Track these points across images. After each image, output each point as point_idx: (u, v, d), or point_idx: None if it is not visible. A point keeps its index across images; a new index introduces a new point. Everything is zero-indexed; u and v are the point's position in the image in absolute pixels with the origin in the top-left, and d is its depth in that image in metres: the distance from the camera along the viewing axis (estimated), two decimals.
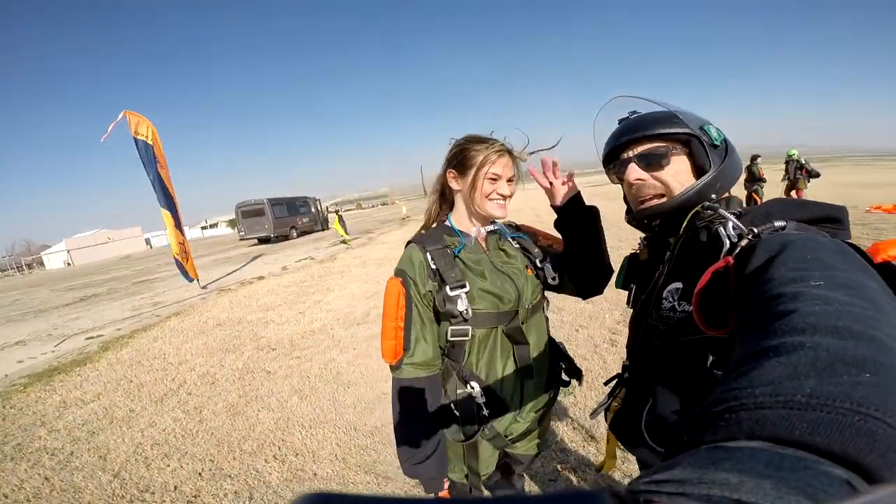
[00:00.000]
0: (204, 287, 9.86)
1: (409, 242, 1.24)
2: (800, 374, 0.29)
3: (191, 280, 9.45)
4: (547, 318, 1.39)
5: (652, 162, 0.88)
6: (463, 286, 1.12)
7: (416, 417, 1.15)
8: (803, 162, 10.17)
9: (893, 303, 0.43)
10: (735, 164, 0.88)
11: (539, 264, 1.28)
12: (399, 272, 1.18)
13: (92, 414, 3.69)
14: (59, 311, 9.73)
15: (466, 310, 1.12)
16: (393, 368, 1.17)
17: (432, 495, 1.23)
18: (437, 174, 1.31)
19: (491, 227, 1.27)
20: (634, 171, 0.90)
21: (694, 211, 0.82)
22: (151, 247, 47.08)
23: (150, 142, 8.70)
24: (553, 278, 1.28)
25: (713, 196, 0.85)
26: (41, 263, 43.95)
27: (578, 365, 1.44)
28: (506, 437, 1.29)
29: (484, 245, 1.25)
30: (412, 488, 2.32)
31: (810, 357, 0.31)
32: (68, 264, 38.49)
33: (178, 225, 9.16)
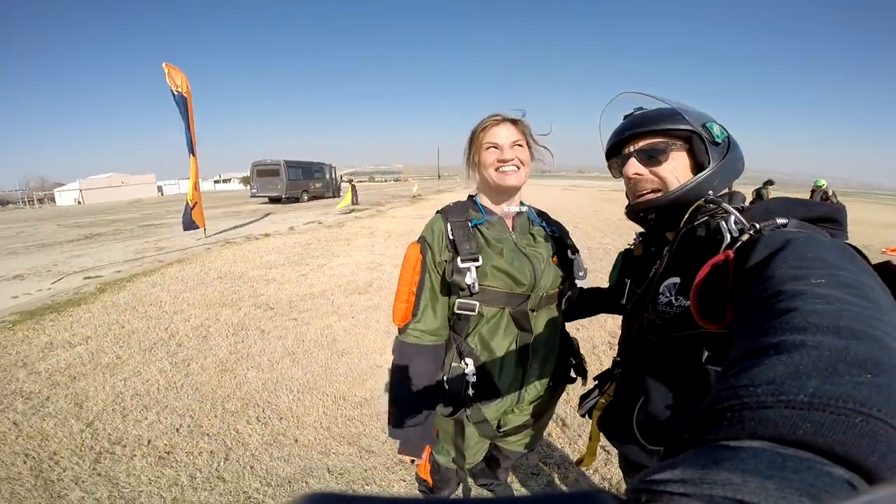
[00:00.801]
0: (209, 237, 9.85)
1: (437, 212, 1.24)
2: (802, 374, 0.29)
3: (195, 228, 9.46)
4: (563, 314, 1.33)
5: (651, 157, 0.90)
6: (475, 259, 1.11)
7: (411, 382, 1.16)
8: (830, 193, 9.95)
9: (894, 303, 0.43)
10: (735, 161, 0.89)
11: (571, 255, 1.27)
12: (420, 238, 1.20)
13: (77, 358, 3.57)
14: (61, 247, 9.70)
15: (473, 283, 1.10)
16: (400, 331, 1.19)
17: (425, 494, 1.28)
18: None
19: (517, 209, 1.25)
20: (633, 166, 0.92)
21: (696, 205, 0.83)
22: (163, 194, 47.39)
23: (186, 94, 8.87)
24: (582, 273, 1.27)
25: (710, 193, 0.85)
26: (52, 199, 44.43)
27: (578, 378, 1.42)
28: (498, 427, 1.27)
29: (510, 225, 1.24)
30: (395, 464, 2.21)
31: (812, 356, 0.31)
32: (79, 202, 38.85)
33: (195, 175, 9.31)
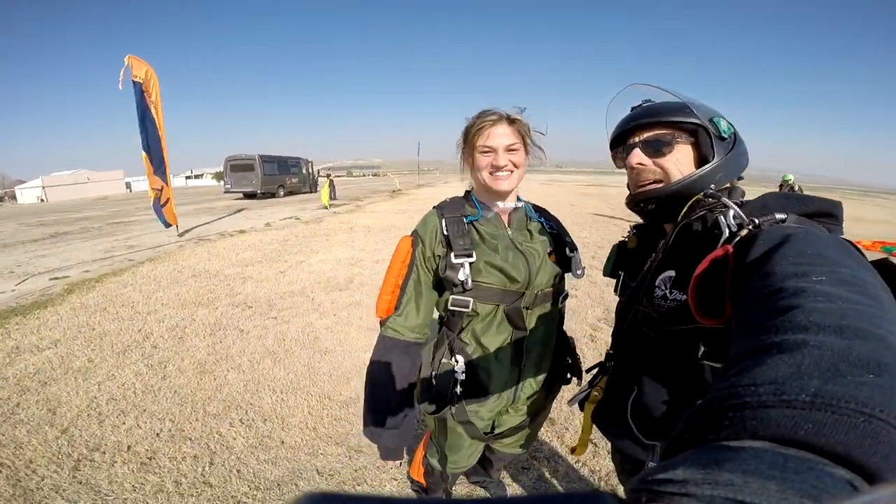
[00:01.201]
0: (181, 235, 9.57)
1: (434, 207, 1.23)
2: (804, 374, 0.29)
3: (168, 226, 9.25)
4: (561, 313, 1.32)
5: (656, 148, 0.89)
6: (469, 255, 1.10)
7: (386, 380, 1.14)
8: (796, 188, 10.18)
9: (892, 299, 0.42)
10: (739, 157, 0.89)
11: (569, 253, 1.26)
12: (413, 232, 1.19)
13: (46, 362, 3.42)
14: (25, 247, 9.26)
15: (467, 279, 1.09)
16: (381, 323, 1.17)
17: (419, 494, 1.21)
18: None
19: (513, 204, 1.23)
20: (637, 156, 0.91)
21: (696, 198, 0.83)
22: (131, 191, 45.84)
23: (144, 86, 8.56)
24: (580, 271, 1.26)
25: (712, 186, 0.85)
26: (13, 197, 42.49)
27: (574, 378, 1.41)
28: (493, 429, 1.26)
29: (506, 220, 1.22)
30: (385, 464, 2.19)
31: (814, 356, 0.31)
32: (42, 200, 37.25)
33: (163, 170, 8.97)
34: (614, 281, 1.16)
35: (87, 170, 45.51)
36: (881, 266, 0.55)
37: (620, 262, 1.12)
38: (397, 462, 1.21)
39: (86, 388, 3.00)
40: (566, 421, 2.50)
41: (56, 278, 6.23)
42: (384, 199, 19.72)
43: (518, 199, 1.25)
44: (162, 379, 3.10)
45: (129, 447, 2.34)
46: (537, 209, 1.33)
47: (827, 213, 0.69)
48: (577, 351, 1.42)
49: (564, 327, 1.38)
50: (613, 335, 1.09)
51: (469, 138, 1.14)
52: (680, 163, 0.89)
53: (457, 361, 1.17)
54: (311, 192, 24.56)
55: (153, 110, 8.78)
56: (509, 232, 1.19)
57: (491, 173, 1.12)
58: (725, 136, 0.87)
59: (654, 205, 0.92)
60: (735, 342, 0.40)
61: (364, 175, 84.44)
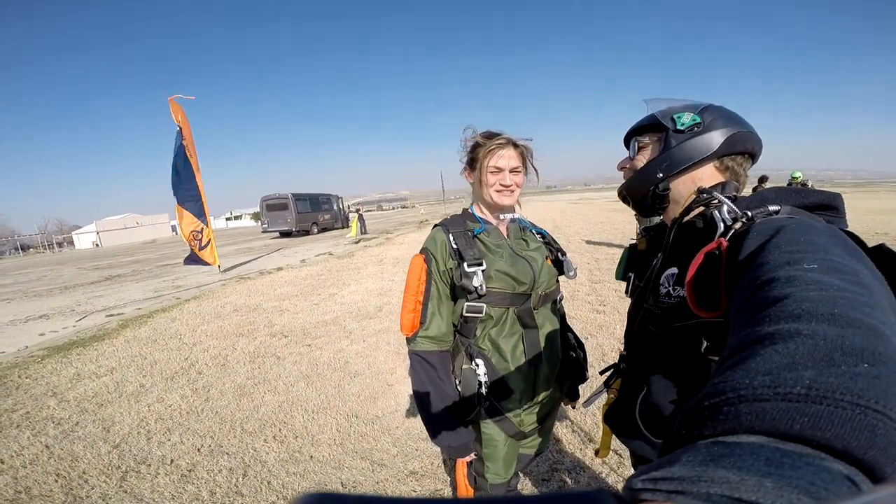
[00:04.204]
0: (223, 272, 10.05)
1: (435, 225, 1.33)
2: (798, 364, 0.29)
3: (195, 263, 9.54)
4: (561, 312, 1.41)
5: (633, 152, 0.98)
6: (480, 264, 1.19)
7: (433, 390, 1.22)
8: (809, 185, 9.86)
9: (885, 288, 0.43)
10: (692, 145, 0.87)
11: (560, 257, 1.37)
12: (423, 250, 1.27)
13: (103, 387, 3.76)
14: (83, 289, 10.02)
15: (481, 286, 1.18)
16: (409, 340, 1.25)
17: (434, 495, 1.27)
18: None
19: (511, 216, 1.34)
20: (621, 162, 1.02)
21: (691, 197, 0.84)
22: (177, 234, 48.39)
23: (180, 129, 9.08)
24: (573, 271, 1.37)
25: (659, 175, 0.90)
26: (71, 243, 45.60)
27: (586, 373, 1.47)
28: (519, 427, 1.30)
29: (505, 232, 1.33)
30: (406, 476, 2.30)
31: (808, 346, 0.30)
32: (97, 245, 39.79)
33: (203, 212, 9.38)
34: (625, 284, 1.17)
35: (136, 213, 48.44)
36: (878, 251, 0.55)
37: (631, 264, 1.14)
38: (467, 458, 1.28)
39: (137, 409, 3.29)
40: (591, 431, 2.53)
41: (112, 315, 6.74)
42: (412, 230, 20.19)
43: (513, 211, 1.35)
44: (205, 401, 3.35)
45: (172, 461, 2.56)
46: (530, 223, 1.45)
47: (827, 206, 0.68)
48: (588, 354, 1.48)
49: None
50: (626, 336, 1.09)
51: (480, 156, 1.25)
52: (644, 160, 0.94)
53: (477, 365, 1.24)
54: (343, 227, 25.25)
55: (189, 155, 9.18)
56: (509, 242, 1.30)
57: (498, 191, 1.24)
58: (682, 128, 0.88)
59: (626, 195, 1.00)
60: (731, 334, 0.40)
61: (393, 208, 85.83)
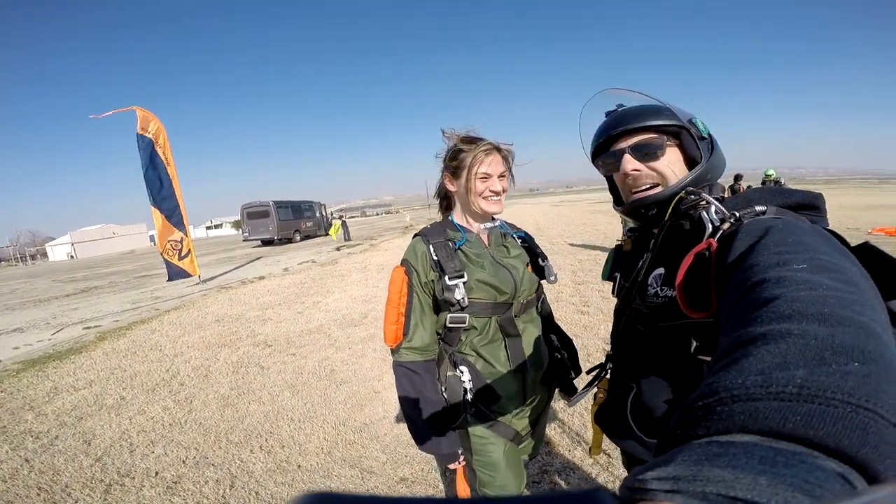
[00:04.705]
0: (204, 282, 9.88)
1: (415, 235, 1.31)
2: (789, 364, 0.29)
3: (179, 277, 9.31)
4: (546, 312, 1.42)
5: (648, 153, 0.88)
6: (461, 276, 1.18)
7: (419, 399, 1.21)
8: (783, 182, 9.98)
9: (872, 285, 0.44)
10: (721, 156, 0.90)
11: (542, 262, 1.36)
12: (404, 262, 1.26)
13: (82, 400, 3.67)
14: (59, 302, 9.75)
15: (463, 298, 1.17)
16: (393, 352, 1.24)
17: (432, 495, 1.26)
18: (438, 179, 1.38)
19: (491, 224, 1.32)
20: (630, 163, 0.90)
21: (678, 197, 0.83)
22: (155, 244, 47.48)
23: (152, 137, 8.78)
24: (554, 277, 1.37)
25: (706, 185, 0.87)
26: (45, 255, 44.26)
27: (572, 371, 1.46)
28: (515, 429, 1.30)
29: (486, 240, 1.31)
30: (396, 483, 2.30)
31: (799, 345, 0.31)
32: (71, 257, 38.71)
33: (182, 222, 9.15)
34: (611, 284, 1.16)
35: (113, 224, 47.18)
36: (863, 249, 0.56)
37: (617, 265, 1.12)
38: (456, 463, 1.27)
39: (118, 421, 3.22)
40: (581, 433, 2.55)
41: (89, 328, 6.57)
42: (397, 235, 20.14)
43: (493, 218, 1.32)
44: (188, 412, 3.29)
45: (156, 473, 2.52)
46: (510, 225, 1.43)
47: (809, 205, 0.69)
48: (575, 346, 1.48)
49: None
50: (612, 336, 1.08)
51: (467, 164, 1.21)
52: (673, 165, 0.88)
53: (462, 372, 1.24)
54: (326, 234, 25.07)
55: (165, 163, 8.87)
56: (490, 250, 1.28)
57: (486, 197, 1.23)
58: (704, 135, 0.88)
59: (655, 209, 0.91)
60: (722, 335, 0.41)
61: (377, 214, 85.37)
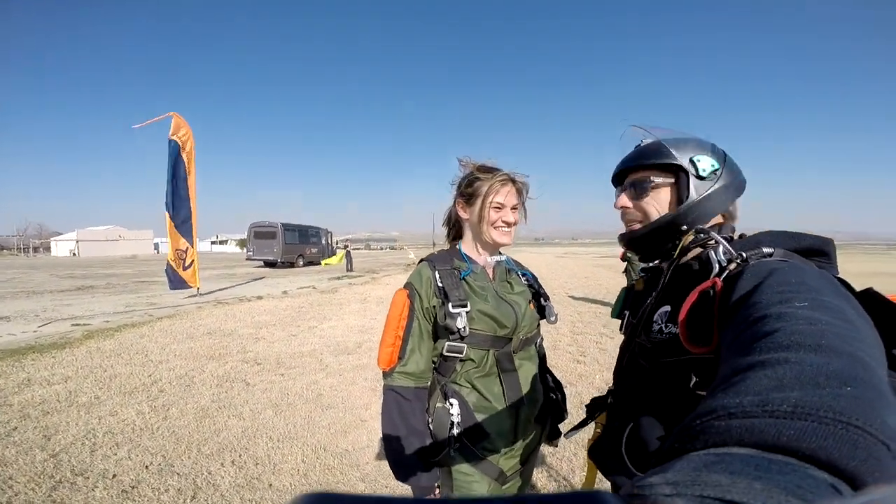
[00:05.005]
0: (201, 296, 9.77)
1: (421, 260, 1.27)
2: (785, 387, 0.31)
3: (179, 287, 9.27)
4: (541, 353, 1.37)
5: (637, 190, 0.92)
6: (464, 305, 1.15)
7: (401, 425, 1.14)
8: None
9: (870, 327, 0.45)
10: (715, 200, 0.87)
11: (543, 302, 1.33)
12: (407, 285, 1.22)
13: (53, 395, 3.51)
14: (52, 296, 9.64)
15: (464, 327, 1.14)
16: (385, 375, 1.19)
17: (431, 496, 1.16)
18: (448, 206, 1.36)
19: (498, 258, 1.30)
20: (621, 199, 0.95)
21: (688, 237, 0.84)
22: (159, 252, 47.47)
23: (179, 143, 8.98)
24: (554, 317, 1.33)
25: (684, 228, 0.87)
26: (48, 249, 44.45)
27: (565, 413, 1.41)
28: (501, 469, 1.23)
29: (491, 274, 1.28)
30: None
31: (795, 371, 0.32)
32: (74, 254, 38.79)
33: (191, 232, 9.21)
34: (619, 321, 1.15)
35: (120, 227, 47.38)
36: (866, 295, 0.57)
37: (627, 303, 1.12)
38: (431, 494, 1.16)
39: (86, 420, 3.05)
40: (569, 476, 2.40)
41: (77, 325, 6.43)
42: (399, 271, 20.05)
43: (500, 252, 1.31)
44: (163, 419, 3.12)
45: (114, 475, 2.34)
46: (515, 262, 1.41)
47: (819, 251, 0.69)
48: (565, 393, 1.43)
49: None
50: (615, 371, 1.08)
51: (482, 193, 1.20)
52: (658, 203, 0.90)
53: (451, 405, 1.18)
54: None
55: (187, 171, 9.03)
56: (494, 284, 1.26)
57: (497, 227, 1.21)
58: (704, 175, 0.86)
59: (634, 245, 0.95)
60: (722, 365, 0.41)
61: (382, 248, 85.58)
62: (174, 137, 9.03)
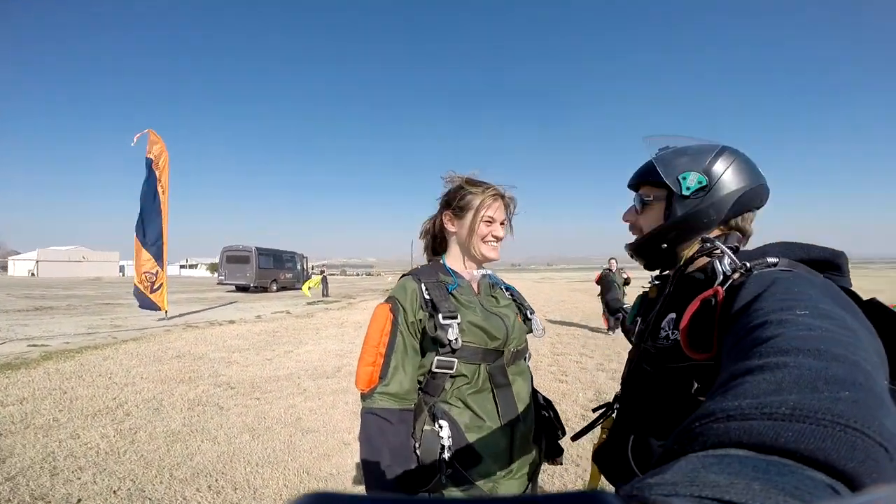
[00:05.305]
0: (169, 319, 9.38)
1: (404, 275, 1.21)
2: (783, 390, 0.31)
3: (151, 308, 8.96)
4: (529, 369, 1.31)
5: (639, 206, 0.96)
6: (455, 317, 1.09)
7: (384, 451, 1.03)
8: (624, 275, 9.12)
9: (872, 336, 0.45)
10: (703, 213, 0.86)
11: (529, 316, 1.29)
12: (390, 298, 1.15)
13: (6, 417, 3.25)
14: (7, 315, 9.08)
15: (456, 339, 1.07)
16: (364, 397, 1.08)
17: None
18: (429, 218, 1.32)
19: (483, 272, 1.27)
20: (628, 214, 1.00)
21: (695, 245, 0.86)
22: (125, 274, 45.56)
23: (156, 164, 8.78)
24: (541, 331, 1.30)
25: (664, 247, 0.90)
26: (4, 268, 42.17)
27: (560, 432, 1.35)
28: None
29: (476, 289, 1.24)
30: None
31: (794, 375, 0.32)
32: (32, 274, 36.91)
33: (161, 254, 8.88)
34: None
35: (85, 247, 45.41)
36: (870, 304, 0.57)
37: (641, 310, 1.12)
38: None
39: (45, 443, 2.82)
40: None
41: (35, 346, 6.04)
42: (376, 296, 19.68)
43: (483, 267, 1.28)
44: (130, 443, 2.90)
45: (79, 500, 2.16)
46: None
47: (830, 263, 0.68)
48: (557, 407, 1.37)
49: (556, 409, 1.35)
50: (622, 378, 1.08)
51: (474, 206, 1.18)
52: (649, 219, 0.93)
53: (441, 427, 1.09)
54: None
55: (160, 191, 8.74)
56: (480, 298, 1.22)
57: (487, 242, 1.19)
58: (688, 193, 0.86)
59: (638, 254, 0.99)
60: (722, 370, 0.42)
61: (358, 274, 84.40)
62: (150, 156, 8.83)
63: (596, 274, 9.54)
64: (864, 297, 0.59)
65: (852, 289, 0.60)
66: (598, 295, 9.24)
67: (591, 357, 6.06)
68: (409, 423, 1.09)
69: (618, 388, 1.10)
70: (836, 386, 0.31)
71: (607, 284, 8.53)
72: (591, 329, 9.33)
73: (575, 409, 3.88)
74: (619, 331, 8.66)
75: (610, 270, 8.93)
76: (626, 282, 8.75)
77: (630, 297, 9.35)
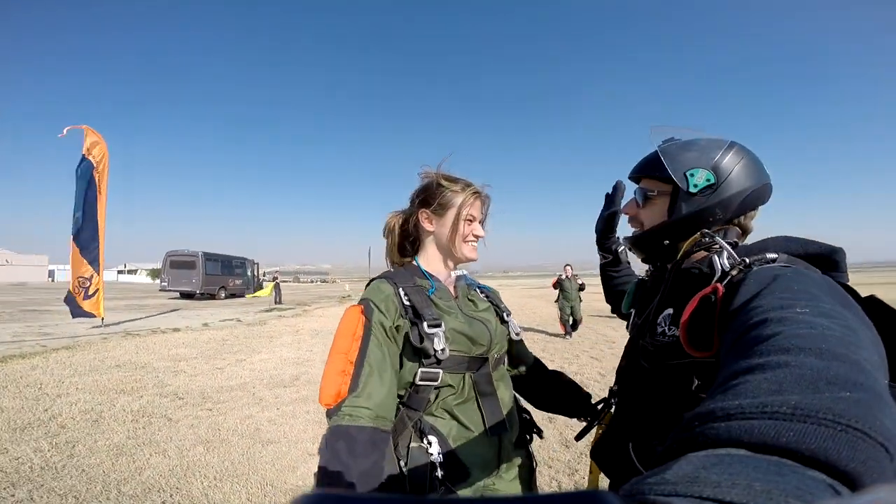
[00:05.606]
0: (105, 327, 8.72)
1: (374, 279, 1.10)
2: (784, 390, 0.31)
3: (85, 317, 8.36)
4: (507, 374, 1.26)
5: (641, 200, 0.94)
6: (439, 325, 0.99)
7: (356, 477, 0.82)
8: (579, 281, 9.33)
9: (872, 333, 0.46)
10: (709, 212, 0.84)
11: (506, 318, 1.23)
12: (363, 301, 1.03)
13: None
14: None
15: (443, 349, 0.97)
16: (330, 413, 0.89)
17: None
18: (393, 213, 1.24)
19: (458, 273, 1.22)
20: (629, 206, 0.98)
21: (693, 239, 0.83)
22: (53, 280, 42.05)
23: (95, 163, 8.23)
24: (517, 334, 1.23)
25: (666, 243, 0.89)
26: None
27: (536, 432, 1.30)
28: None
29: (453, 292, 1.17)
30: None
31: (795, 374, 0.32)
32: None
33: (97, 259, 8.33)
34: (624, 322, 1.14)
35: (8, 250, 41.57)
36: (870, 301, 0.57)
37: (636, 298, 1.09)
38: None
39: None
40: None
41: None
42: (333, 304, 19.18)
43: (457, 268, 1.23)
44: (69, 457, 2.66)
45: None
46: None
47: (828, 258, 0.68)
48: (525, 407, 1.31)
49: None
50: (618, 371, 1.05)
51: (456, 205, 1.13)
52: (651, 214, 0.91)
53: (430, 444, 0.98)
54: (253, 294, 23.52)
55: (98, 192, 8.22)
56: (458, 302, 1.15)
57: (467, 241, 1.14)
58: (695, 191, 0.84)
59: (636, 247, 0.98)
60: (722, 368, 0.42)
61: (312, 281, 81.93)
62: (88, 156, 8.23)
63: (553, 279, 9.83)
64: (863, 296, 0.59)
65: (850, 285, 0.60)
66: (556, 301, 9.48)
67: (552, 360, 6.15)
68: (381, 448, 0.88)
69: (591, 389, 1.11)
70: (837, 386, 0.31)
71: (564, 290, 9.04)
72: (550, 334, 9.50)
73: (569, 423, 3.83)
74: (575, 334, 9.09)
75: (566, 277, 9.23)
76: (581, 287, 9.06)
77: (586, 303, 9.69)
